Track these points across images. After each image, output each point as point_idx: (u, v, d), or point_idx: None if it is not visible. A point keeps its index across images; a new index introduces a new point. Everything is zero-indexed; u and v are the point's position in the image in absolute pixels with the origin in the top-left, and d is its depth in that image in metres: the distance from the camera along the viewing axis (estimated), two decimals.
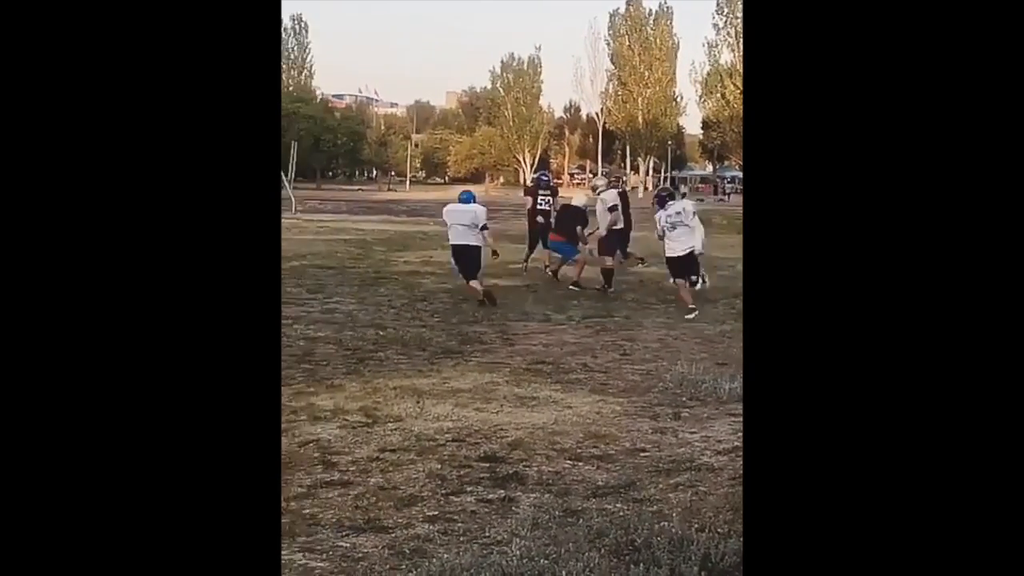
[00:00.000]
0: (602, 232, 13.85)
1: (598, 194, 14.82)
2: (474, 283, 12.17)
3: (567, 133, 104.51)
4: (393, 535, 4.32)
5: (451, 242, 12.42)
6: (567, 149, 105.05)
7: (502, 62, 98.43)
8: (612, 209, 13.86)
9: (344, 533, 4.33)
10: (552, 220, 15.62)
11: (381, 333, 9.78)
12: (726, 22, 72.73)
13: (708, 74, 76.09)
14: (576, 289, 13.35)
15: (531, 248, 16.25)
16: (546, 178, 17.31)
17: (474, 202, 12.74)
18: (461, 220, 12.34)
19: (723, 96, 71.87)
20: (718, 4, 73.28)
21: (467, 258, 12.31)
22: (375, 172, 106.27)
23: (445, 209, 12.78)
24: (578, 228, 14.24)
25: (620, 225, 14.31)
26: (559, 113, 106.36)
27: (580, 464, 5.43)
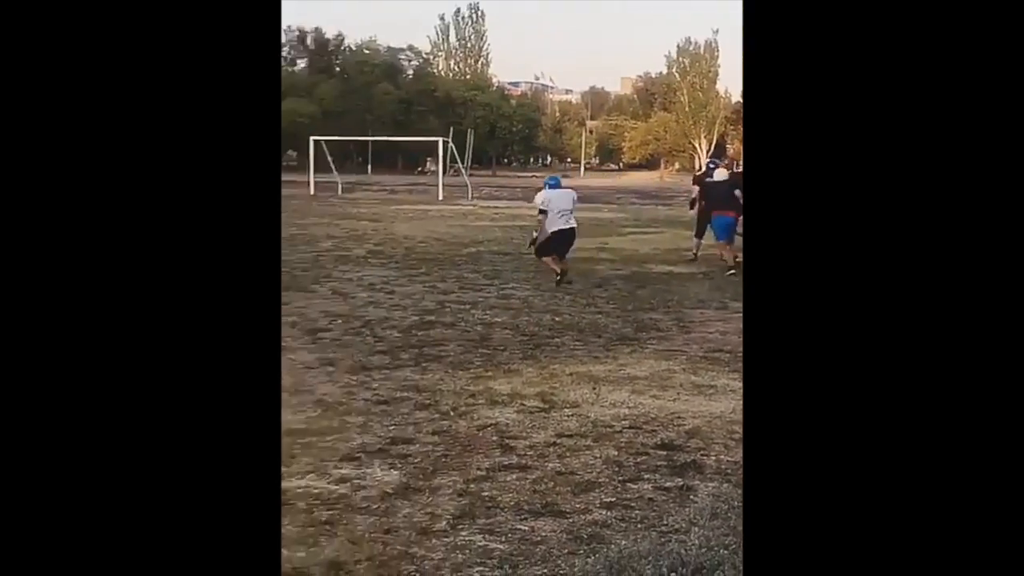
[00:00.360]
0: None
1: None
2: (547, 260, 12.66)
3: None
4: (571, 520, 4.35)
5: (551, 229, 12.46)
6: None
7: (678, 47, 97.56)
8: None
9: (523, 516, 4.38)
10: (704, 200, 15.21)
11: (557, 319, 9.84)
12: None
13: None
14: (735, 276, 13.06)
15: (699, 235, 15.90)
16: (714, 165, 16.61)
17: (561, 187, 13.09)
18: (562, 206, 12.51)
19: None
20: None
21: (563, 241, 12.59)
22: (549, 159, 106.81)
23: (543, 196, 12.70)
24: (736, 192, 13.66)
25: None
26: (736, 98, 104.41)
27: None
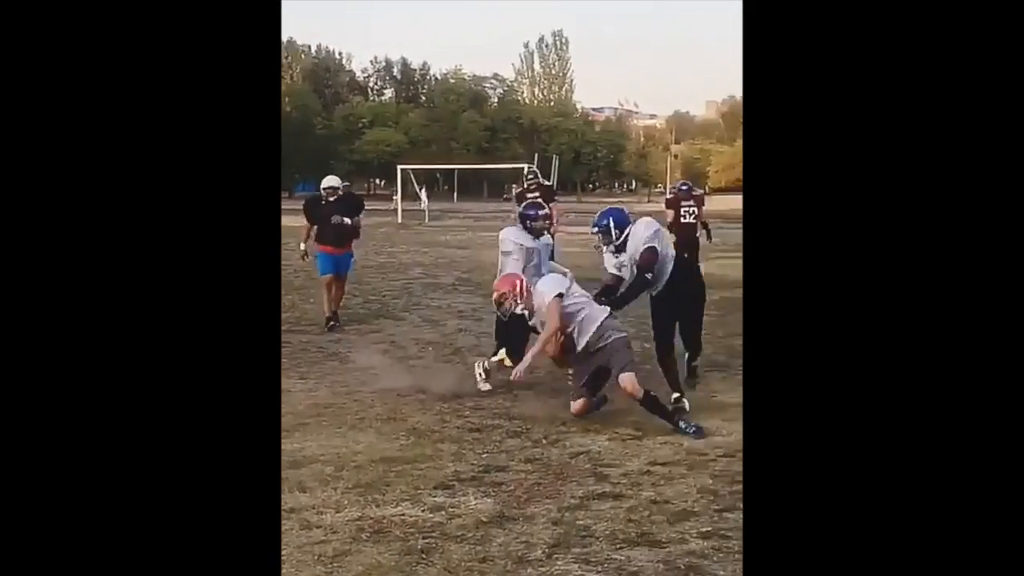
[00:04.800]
0: None
1: None
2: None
3: None
4: (667, 550, 4.30)
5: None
6: None
7: None
8: None
9: (618, 546, 4.35)
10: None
11: (647, 345, 9.77)
12: None
13: None
14: None
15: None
16: (687, 187, 15.97)
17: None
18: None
19: None
20: None
21: None
22: (635, 184, 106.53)
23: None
24: None
25: None
26: None
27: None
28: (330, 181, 11.30)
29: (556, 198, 14.94)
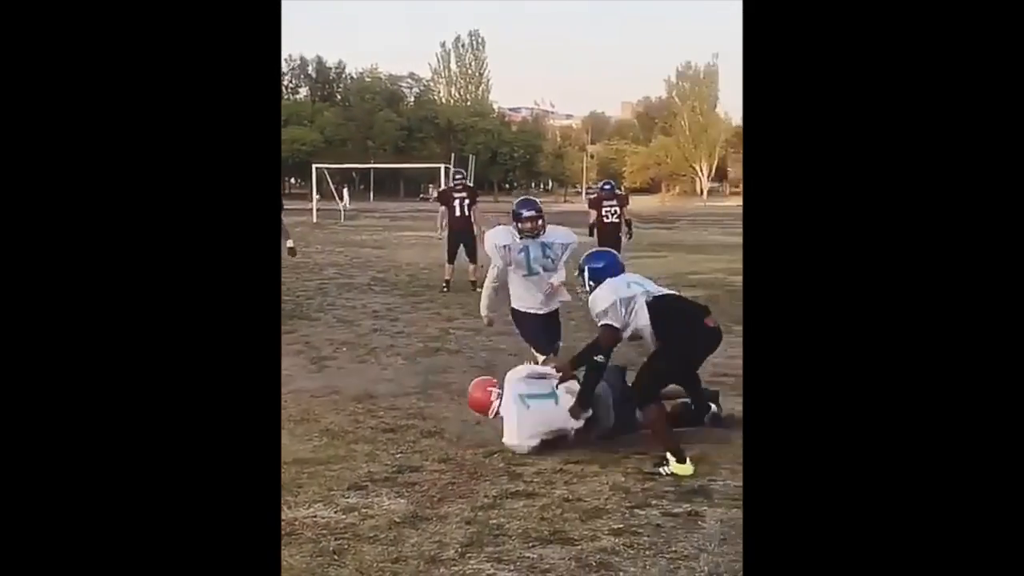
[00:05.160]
0: None
1: None
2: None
3: None
4: (579, 547, 4.34)
5: None
6: None
7: (678, 71, 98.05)
8: None
9: (531, 544, 4.37)
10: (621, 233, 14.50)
11: (562, 344, 9.83)
12: None
13: None
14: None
15: None
16: (609, 187, 15.81)
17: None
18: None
19: None
20: None
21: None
22: (551, 184, 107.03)
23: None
24: None
25: None
26: (737, 121, 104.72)
27: None
28: None
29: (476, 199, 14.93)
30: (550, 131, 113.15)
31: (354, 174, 76.72)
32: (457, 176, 15.81)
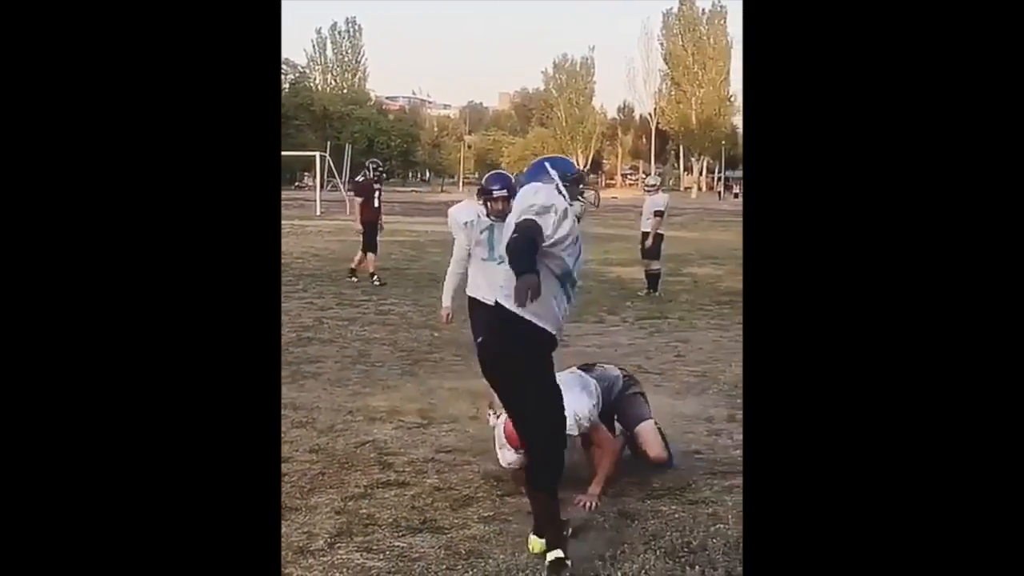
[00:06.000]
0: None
1: (648, 195, 14.30)
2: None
3: (620, 134, 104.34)
4: (449, 535, 4.35)
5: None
6: (620, 150, 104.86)
7: (554, 63, 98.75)
8: (657, 214, 13.62)
9: (401, 533, 4.37)
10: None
11: (436, 335, 9.83)
12: None
13: None
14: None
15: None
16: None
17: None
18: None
19: None
20: None
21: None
22: (428, 174, 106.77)
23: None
24: None
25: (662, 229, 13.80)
26: (612, 114, 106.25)
27: (633, 466, 5.42)
28: None
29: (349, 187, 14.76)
30: (427, 121, 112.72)
31: None
32: (376, 168, 15.64)
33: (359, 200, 14.95)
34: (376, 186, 14.97)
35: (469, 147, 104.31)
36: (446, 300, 6.55)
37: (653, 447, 5.35)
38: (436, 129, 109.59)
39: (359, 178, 15.47)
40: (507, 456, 5.04)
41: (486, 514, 4.64)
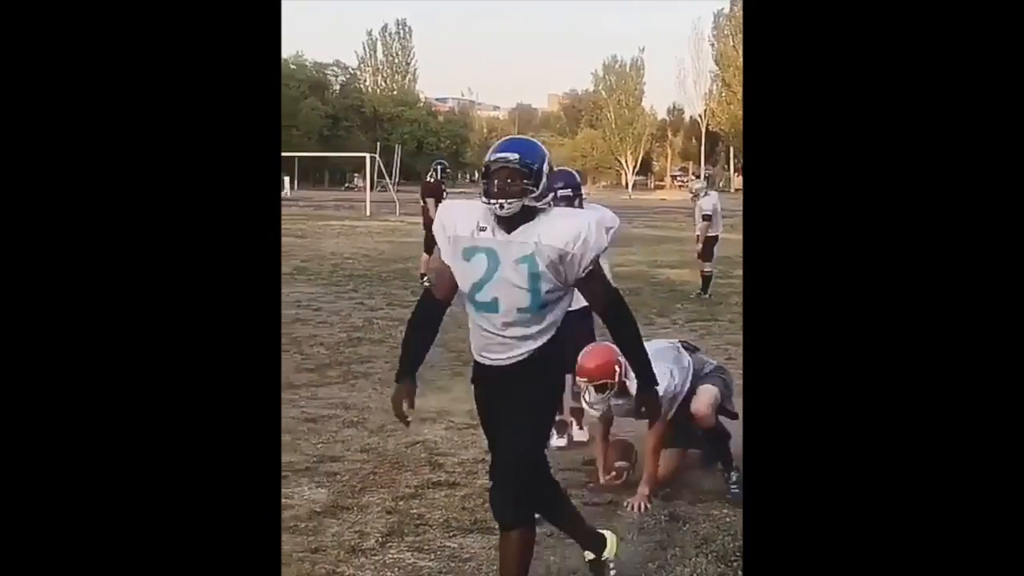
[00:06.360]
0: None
1: (695, 200, 14.16)
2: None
3: (670, 135, 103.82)
4: (497, 536, 4.35)
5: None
6: (670, 151, 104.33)
7: (604, 64, 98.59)
8: (705, 218, 13.53)
9: (452, 533, 4.38)
10: None
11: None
12: None
13: None
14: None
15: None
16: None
17: None
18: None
19: None
20: None
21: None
22: (477, 175, 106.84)
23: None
24: None
25: (716, 232, 13.70)
26: (662, 115, 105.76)
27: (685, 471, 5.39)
28: None
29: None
30: (477, 122, 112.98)
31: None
32: (443, 169, 15.60)
33: (430, 200, 14.85)
34: (443, 187, 14.95)
35: None
36: None
37: (699, 404, 5.04)
38: (485, 130, 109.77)
39: (428, 178, 15.40)
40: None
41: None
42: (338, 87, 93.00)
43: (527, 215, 3.21)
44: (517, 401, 3.35)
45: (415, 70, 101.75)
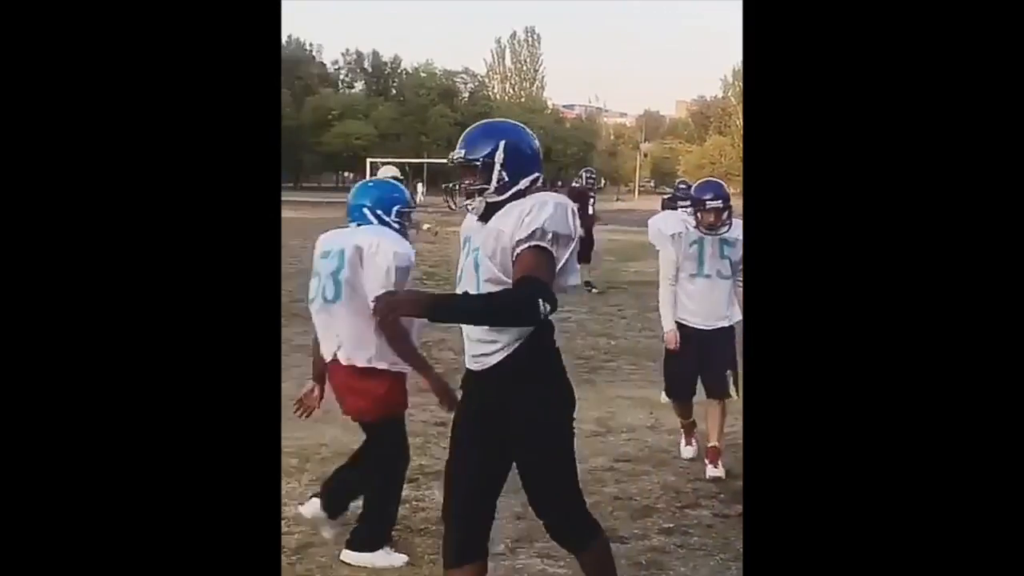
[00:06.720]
0: None
1: None
2: None
3: None
4: (629, 546, 4.34)
5: None
6: None
7: (734, 70, 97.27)
8: None
9: None
10: None
11: (612, 343, 9.82)
12: None
13: None
14: None
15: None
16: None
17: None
18: None
19: None
20: None
21: None
22: (604, 182, 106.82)
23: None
24: None
25: None
26: None
27: None
28: (389, 171, 11.12)
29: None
30: (604, 129, 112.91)
31: (407, 168, 77.15)
32: (590, 175, 15.54)
33: (576, 207, 14.76)
34: (591, 193, 14.96)
35: (645, 155, 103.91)
36: (668, 322, 5.61)
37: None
38: (612, 137, 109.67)
39: (574, 184, 15.45)
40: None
41: (666, 525, 4.60)
42: (467, 94, 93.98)
43: (499, 205, 3.09)
44: (488, 419, 3.13)
45: (543, 77, 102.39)
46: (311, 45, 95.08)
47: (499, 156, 3.09)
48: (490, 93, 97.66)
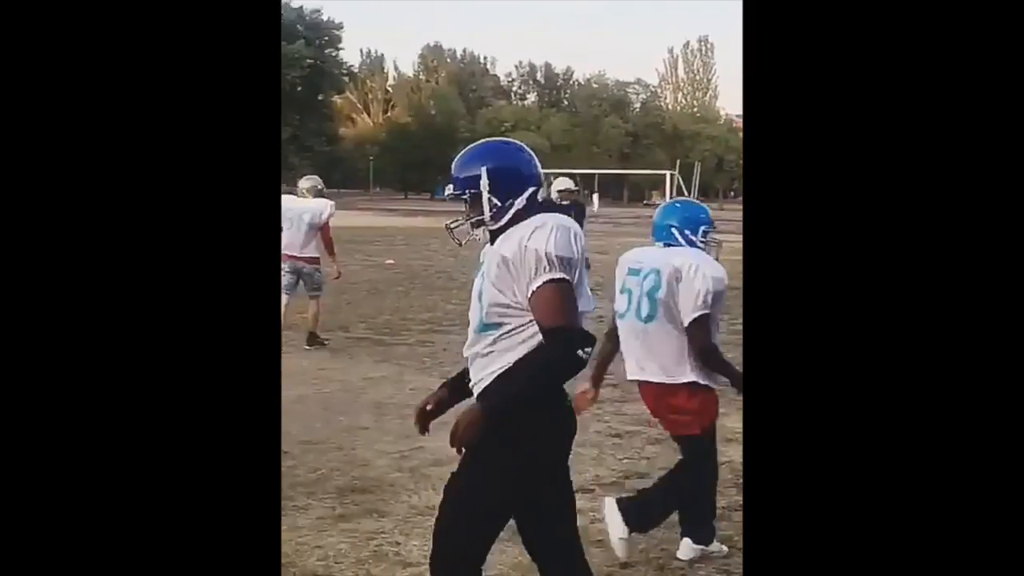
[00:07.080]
0: None
1: None
2: None
3: None
4: None
5: None
6: None
7: None
8: None
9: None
10: None
11: None
12: None
13: None
14: None
15: None
16: None
17: None
18: None
19: None
20: None
21: None
22: None
23: None
24: None
25: None
26: None
27: None
28: (564, 183, 11.23)
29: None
30: None
31: (579, 179, 77.54)
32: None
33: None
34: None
35: None
36: None
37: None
38: None
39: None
40: None
41: None
42: (639, 105, 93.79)
43: (503, 229, 2.97)
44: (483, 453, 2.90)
45: (716, 87, 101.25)
46: (485, 58, 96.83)
47: (484, 184, 2.96)
48: (662, 103, 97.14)
